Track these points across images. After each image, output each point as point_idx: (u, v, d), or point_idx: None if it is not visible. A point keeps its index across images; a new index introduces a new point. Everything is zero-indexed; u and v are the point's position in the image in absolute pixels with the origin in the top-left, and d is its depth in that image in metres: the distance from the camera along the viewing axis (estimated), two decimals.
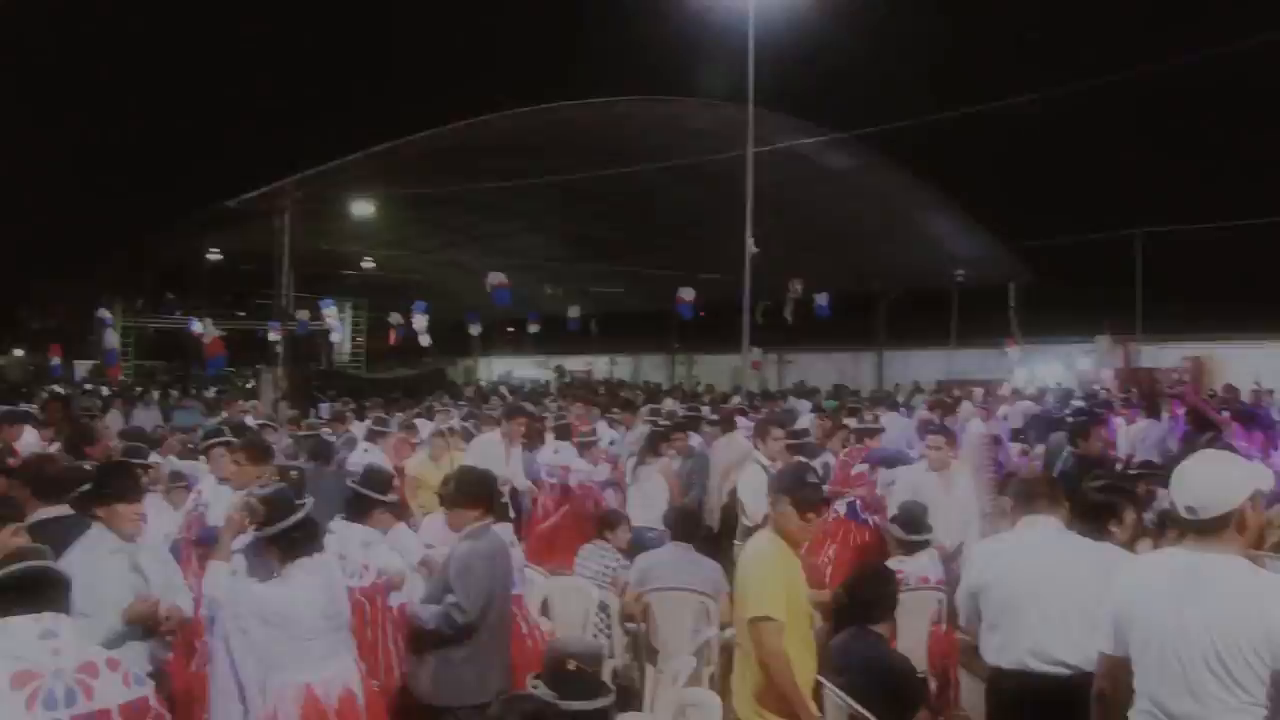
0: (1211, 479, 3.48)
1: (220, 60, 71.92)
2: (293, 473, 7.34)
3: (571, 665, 4.14)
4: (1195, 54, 20.16)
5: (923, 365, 32.79)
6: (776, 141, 22.95)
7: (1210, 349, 28.12)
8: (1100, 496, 5.15)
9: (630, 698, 6.84)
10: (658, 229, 29.87)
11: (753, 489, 8.76)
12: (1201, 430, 11.07)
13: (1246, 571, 3.38)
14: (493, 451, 10.16)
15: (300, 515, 4.98)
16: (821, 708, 4.67)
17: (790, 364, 36.56)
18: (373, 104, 58.99)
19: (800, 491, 4.57)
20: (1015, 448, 14.42)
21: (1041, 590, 4.54)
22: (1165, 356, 29.12)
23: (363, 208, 28.32)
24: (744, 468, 9.68)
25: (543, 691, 3.97)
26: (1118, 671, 3.61)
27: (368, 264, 37.58)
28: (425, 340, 29.43)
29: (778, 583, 4.40)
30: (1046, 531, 4.79)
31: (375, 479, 6.60)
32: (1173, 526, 3.88)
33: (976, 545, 5.58)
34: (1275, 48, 16.42)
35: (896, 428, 13.90)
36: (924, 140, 26.81)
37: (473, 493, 5.59)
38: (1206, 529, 3.43)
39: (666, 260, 30.06)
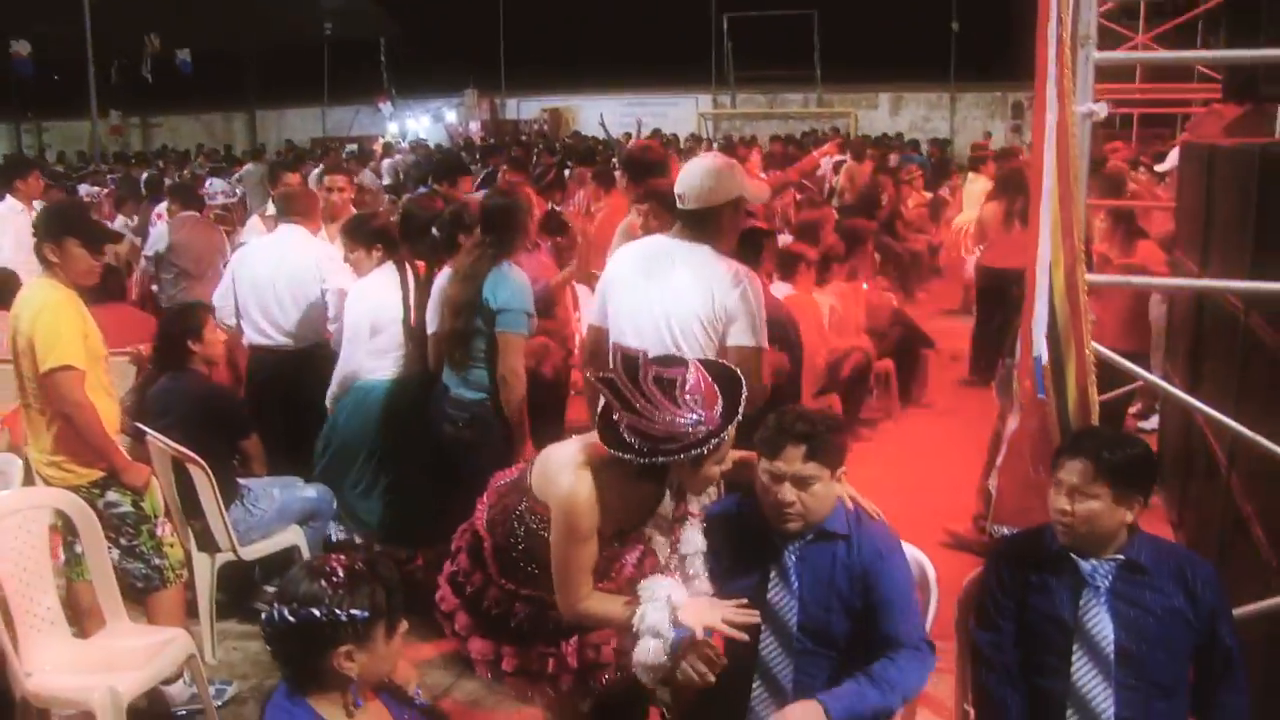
0: (703, 177, 3.86)
1: None
2: None
3: None
4: None
5: (296, 124, 32.43)
6: None
7: (565, 101, 30.58)
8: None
9: None
10: None
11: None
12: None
13: (708, 257, 3.87)
14: None
15: None
16: (141, 458, 4.66)
17: (157, 127, 34.32)
18: None
19: (87, 230, 4.45)
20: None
21: (262, 279, 5.87)
22: (526, 109, 31.22)
23: None
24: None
25: None
26: (599, 339, 4.10)
27: None
28: None
29: (73, 330, 4.22)
30: (289, 235, 6.03)
31: None
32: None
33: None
34: None
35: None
36: None
37: None
38: (689, 220, 3.90)
39: None
